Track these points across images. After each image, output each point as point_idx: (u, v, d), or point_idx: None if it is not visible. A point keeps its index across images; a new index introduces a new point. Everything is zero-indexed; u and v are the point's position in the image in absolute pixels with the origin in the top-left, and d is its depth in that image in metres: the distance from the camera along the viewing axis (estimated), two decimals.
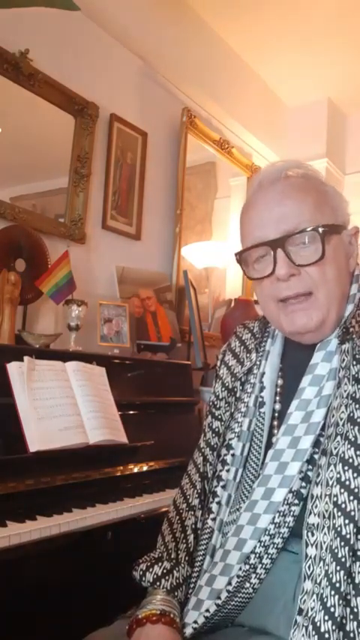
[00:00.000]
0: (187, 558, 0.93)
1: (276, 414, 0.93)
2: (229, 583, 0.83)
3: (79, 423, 1.52)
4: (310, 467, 0.82)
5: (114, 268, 2.38)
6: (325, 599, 0.71)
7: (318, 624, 0.70)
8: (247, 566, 0.83)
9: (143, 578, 0.91)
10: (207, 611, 0.83)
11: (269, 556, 0.82)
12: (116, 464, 1.63)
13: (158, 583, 0.88)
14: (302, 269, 0.85)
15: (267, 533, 0.82)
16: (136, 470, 1.69)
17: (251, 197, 0.92)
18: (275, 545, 0.82)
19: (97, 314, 2.12)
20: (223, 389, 1.03)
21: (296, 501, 0.82)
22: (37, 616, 1.25)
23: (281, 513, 0.82)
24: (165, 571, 0.90)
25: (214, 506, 0.93)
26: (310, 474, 0.81)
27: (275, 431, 0.91)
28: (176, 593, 0.88)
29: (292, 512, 0.82)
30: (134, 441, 1.68)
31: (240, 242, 0.94)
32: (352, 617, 0.71)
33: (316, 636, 0.69)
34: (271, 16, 2.83)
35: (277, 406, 0.94)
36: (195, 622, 0.83)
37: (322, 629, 0.69)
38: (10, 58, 1.96)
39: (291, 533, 0.82)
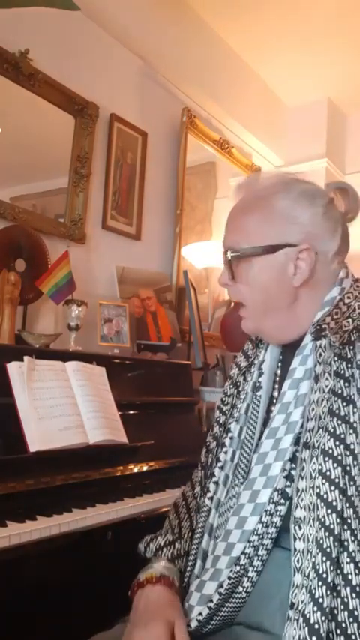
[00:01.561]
0: (189, 534, 0.99)
1: (274, 401, 0.97)
2: (221, 586, 0.84)
3: (79, 423, 1.52)
4: (294, 465, 0.84)
5: (114, 268, 2.38)
6: (313, 591, 0.72)
7: (308, 616, 0.71)
8: (238, 567, 0.84)
9: (147, 549, 0.98)
10: (200, 614, 0.84)
11: (259, 558, 0.84)
12: (116, 464, 1.63)
13: (160, 552, 0.95)
14: (234, 282, 0.96)
15: (255, 533, 0.84)
16: (136, 470, 1.69)
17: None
18: (265, 547, 0.84)
19: (97, 314, 2.12)
20: (232, 386, 1.09)
21: (282, 500, 0.84)
22: (37, 616, 1.24)
23: (268, 512, 0.84)
24: (167, 542, 0.97)
25: (211, 486, 0.97)
26: (293, 472, 0.83)
27: (268, 416, 0.96)
28: (177, 562, 0.94)
29: (278, 512, 0.83)
30: (134, 441, 1.68)
31: None
32: (342, 607, 0.72)
33: (306, 628, 0.71)
34: (271, 16, 2.83)
35: (276, 393, 0.98)
36: (188, 625, 0.84)
37: (312, 621, 0.71)
38: (10, 58, 1.96)
39: (285, 529, 0.83)
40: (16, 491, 1.32)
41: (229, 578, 0.84)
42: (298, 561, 0.76)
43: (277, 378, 1.00)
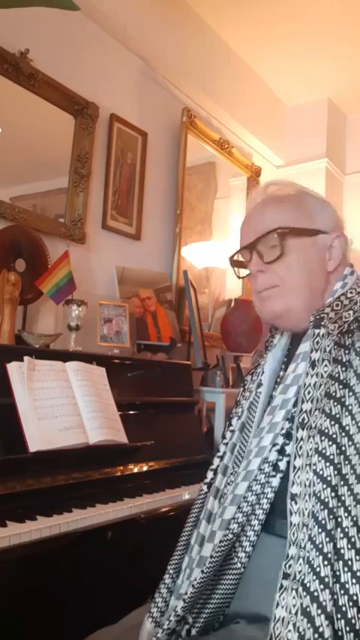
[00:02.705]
0: None
1: (272, 400, 1.01)
2: (213, 549, 0.87)
3: (79, 423, 1.52)
4: (287, 441, 0.88)
5: (114, 268, 2.38)
6: (311, 561, 0.76)
7: (307, 585, 0.75)
8: (228, 532, 0.87)
9: None
10: (195, 579, 0.87)
11: (252, 527, 0.88)
12: (116, 464, 1.63)
13: None
14: (270, 265, 0.98)
15: (245, 500, 0.88)
16: (136, 470, 1.69)
17: (245, 217, 1.08)
18: (257, 517, 0.88)
19: (97, 314, 2.12)
20: (242, 385, 1.15)
21: (273, 473, 0.88)
22: (37, 616, 1.25)
23: (258, 482, 0.88)
24: None
25: (209, 473, 1.03)
26: (287, 447, 0.88)
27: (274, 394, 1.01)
28: None
29: (270, 484, 0.88)
30: (134, 441, 1.68)
31: None
32: (334, 580, 0.75)
33: (307, 597, 0.74)
34: (272, 17, 2.83)
35: (275, 393, 1.01)
36: (185, 593, 0.86)
37: (312, 589, 0.75)
38: (10, 58, 1.96)
39: (280, 514, 0.87)
40: (16, 491, 1.32)
41: (221, 541, 0.87)
42: (293, 534, 0.79)
43: (279, 379, 1.03)
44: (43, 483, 1.39)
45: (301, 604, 0.74)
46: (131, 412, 1.81)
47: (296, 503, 0.81)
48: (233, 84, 3.16)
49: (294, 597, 0.75)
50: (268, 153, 3.54)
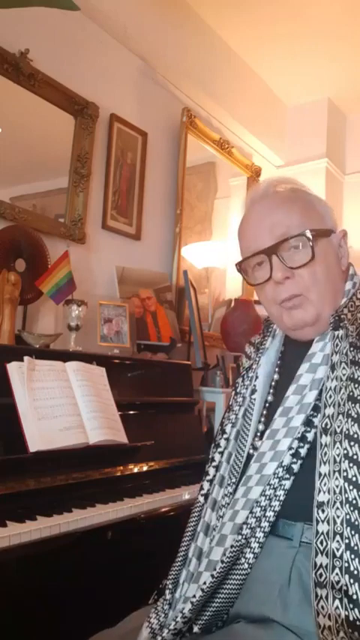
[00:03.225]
0: None
1: (267, 405, 0.99)
2: (224, 554, 0.86)
3: (79, 423, 1.52)
4: (302, 444, 0.87)
5: (114, 268, 2.38)
6: (354, 571, 0.74)
7: (354, 597, 0.73)
8: (240, 537, 0.86)
9: None
10: (204, 583, 0.85)
11: (262, 529, 0.86)
12: (116, 464, 1.63)
13: None
14: (295, 271, 0.93)
15: (258, 504, 0.86)
16: (136, 470, 1.69)
17: (245, 213, 1.02)
18: (267, 519, 0.86)
19: (97, 314, 2.12)
20: (233, 389, 1.11)
21: (287, 476, 0.86)
22: (37, 617, 1.25)
23: (272, 486, 0.86)
24: None
25: (205, 484, 1.00)
26: (301, 450, 0.87)
27: (263, 419, 0.98)
28: None
29: (282, 486, 0.86)
30: (134, 441, 1.68)
31: (240, 254, 1.03)
32: None
33: (356, 609, 0.72)
34: (272, 17, 2.83)
35: (270, 398, 1.00)
36: (193, 596, 0.85)
37: (355, 597, 0.73)
38: (10, 58, 1.96)
39: (285, 516, 0.86)
40: (16, 491, 1.32)
41: (232, 546, 0.86)
42: (321, 543, 0.77)
43: (273, 383, 1.01)
44: (43, 483, 1.39)
45: (347, 616, 0.73)
46: (131, 412, 1.81)
47: (323, 511, 0.79)
48: (233, 84, 3.16)
49: (337, 607, 0.73)
50: (268, 153, 3.54)
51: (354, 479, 0.78)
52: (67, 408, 1.52)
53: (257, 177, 3.41)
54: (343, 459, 0.80)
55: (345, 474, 0.79)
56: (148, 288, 2.48)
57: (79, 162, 2.26)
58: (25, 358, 1.50)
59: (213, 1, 2.74)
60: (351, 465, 0.79)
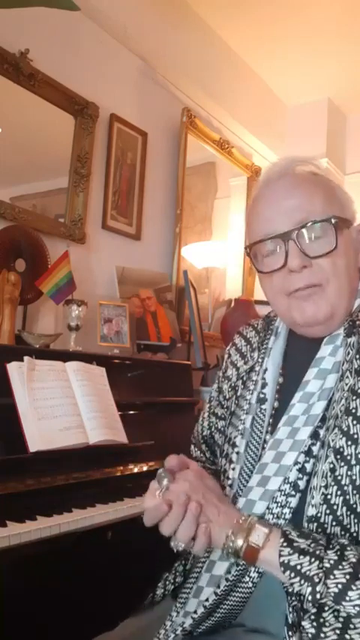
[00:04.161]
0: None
1: (273, 412, 0.92)
2: (229, 571, 0.82)
3: (79, 423, 1.52)
4: (308, 458, 0.81)
5: (114, 268, 2.38)
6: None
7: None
8: None
9: None
10: (206, 600, 0.82)
11: None
12: (116, 464, 1.63)
13: None
14: (314, 261, 0.84)
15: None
16: (136, 470, 1.69)
17: (259, 192, 0.92)
18: None
19: (97, 314, 2.12)
20: (230, 389, 1.04)
21: (293, 492, 0.80)
22: (37, 617, 1.25)
23: (279, 504, 0.81)
24: None
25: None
26: (307, 465, 0.81)
27: (270, 428, 0.91)
28: None
29: (288, 504, 0.80)
30: (134, 441, 1.67)
31: (248, 238, 0.95)
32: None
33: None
34: (272, 16, 2.83)
35: (275, 404, 0.93)
36: (195, 612, 0.82)
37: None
38: (10, 58, 1.96)
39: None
40: (16, 491, 1.32)
41: (237, 564, 0.82)
42: None
43: (278, 387, 0.94)
44: (43, 483, 1.39)
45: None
46: (131, 412, 1.81)
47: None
48: (233, 84, 3.16)
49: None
50: (268, 153, 3.53)
51: (329, 497, 0.75)
52: (67, 408, 1.52)
53: (257, 178, 3.40)
54: (329, 473, 0.76)
55: (324, 490, 0.76)
56: (148, 288, 2.48)
57: (79, 162, 2.26)
58: (25, 358, 1.50)
59: (213, 1, 2.74)
60: (332, 482, 0.75)
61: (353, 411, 0.78)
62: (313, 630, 0.71)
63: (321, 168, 0.93)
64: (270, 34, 2.97)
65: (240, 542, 0.76)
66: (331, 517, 0.75)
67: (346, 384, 0.81)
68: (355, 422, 0.77)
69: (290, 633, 0.73)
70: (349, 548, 0.70)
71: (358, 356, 0.82)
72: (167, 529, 0.79)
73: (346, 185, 3.75)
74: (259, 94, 3.41)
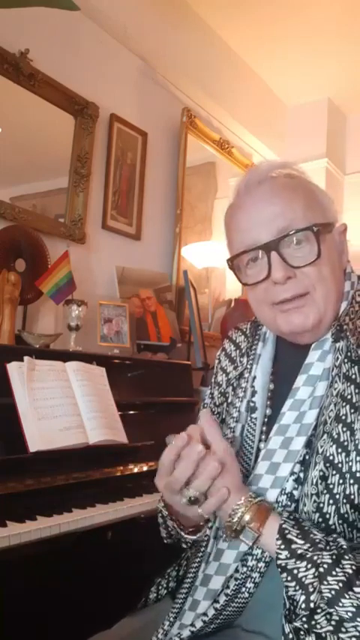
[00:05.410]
0: None
1: (265, 419, 0.91)
2: (227, 586, 0.82)
3: (79, 423, 1.52)
4: (303, 468, 0.80)
5: (114, 268, 2.38)
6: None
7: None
8: (245, 569, 0.82)
9: None
10: (205, 614, 0.82)
11: (264, 559, 0.81)
12: (116, 464, 1.63)
13: None
14: (298, 270, 0.83)
15: None
16: (136, 470, 1.69)
17: (237, 200, 0.89)
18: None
19: (97, 314, 2.12)
20: (220, 395, 1.03)
21: (289, 503, 0.79)
22: (37, 617, 1.25)
23: None
24: None
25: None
26: (302, 475, 0.80)
27: (264, 436, 0.89)
28: None
29: None
30: (134, 441, 1.68)
31: (229, 248, 0.92)
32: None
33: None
34: (272, 16, 2.83)
35: (268, 411, 0.91)
36: (192, 625, 0.82)
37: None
38: (10, 58, 1.96)
39: None
40: (16, 491, 1.32)
41: (236, 579, 0.81)
42: None
43: (269, 394, 0.93)
44: (43, 483, 1.39)
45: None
46: (131, 412, 1.81)
47: None
48: (233, 84, 3.16)
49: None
50: (268, 153, 3.53)
51: (321, 505, 0.74)
52: (67, 408, 1.52)
53: None
54: (319, 481, 0.75)
55: (315, 498, 0.75)
56: (148, 288, 2.48)
57: (79, 162, 2.26)
58: (25, 358, 1.50)
59: (213, 1, 2.74)
60: (324, 491, 0.74)
61: (343, 417, 0.77)
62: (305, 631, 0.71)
63: (299, 171, 0.91)
64: (270, 34, 2.97)
65: (248, 517, 0.75)
66: (323, 525, 0.75)
67: (335, 390, 0.79)
68: (345, 429, 0.76)
69: (291, 636, 0.73)
70: (346, 557, 0.68)
71: (346, 360, 0.81)
72: (182, 473, 0.77)
73: (346, 185, 3.77)
74: (259, 94, 3.41)
